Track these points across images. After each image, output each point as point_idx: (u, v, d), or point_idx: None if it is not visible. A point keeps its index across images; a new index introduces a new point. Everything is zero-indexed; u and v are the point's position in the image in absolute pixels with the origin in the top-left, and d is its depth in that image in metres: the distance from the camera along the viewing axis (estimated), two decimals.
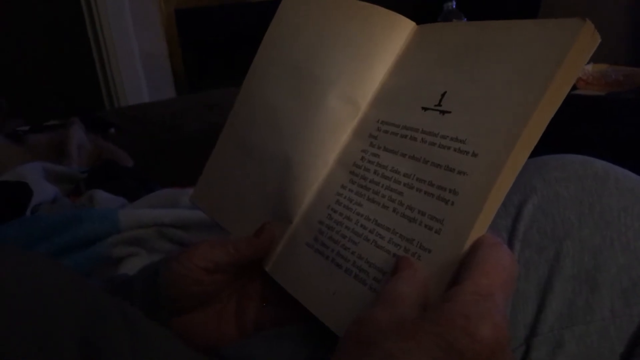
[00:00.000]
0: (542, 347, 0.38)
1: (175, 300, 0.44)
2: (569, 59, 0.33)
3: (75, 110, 1.61)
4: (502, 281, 0.30)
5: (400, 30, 0.46)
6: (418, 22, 0.47)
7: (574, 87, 1.49)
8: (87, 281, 0.33)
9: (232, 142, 0.55)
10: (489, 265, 0.31)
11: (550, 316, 0.38)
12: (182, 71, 2.44)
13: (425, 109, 0.40)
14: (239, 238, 0.45)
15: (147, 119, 1.64)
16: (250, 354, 0.43)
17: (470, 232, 0.33)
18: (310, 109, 0.48)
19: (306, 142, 0.47)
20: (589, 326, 0.38)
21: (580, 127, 1.28)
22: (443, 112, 0.38)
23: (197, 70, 2.47)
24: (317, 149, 0.47)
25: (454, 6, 1.51)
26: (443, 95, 0.39)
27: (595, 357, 0.38)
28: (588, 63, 1.53)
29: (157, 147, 1.45)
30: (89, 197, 0.81)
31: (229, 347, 0.45)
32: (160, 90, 2.29)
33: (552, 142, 0.45)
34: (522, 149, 0.33)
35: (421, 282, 0.33)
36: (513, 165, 0.33)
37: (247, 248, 0.44)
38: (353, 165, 0.43)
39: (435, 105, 0.39)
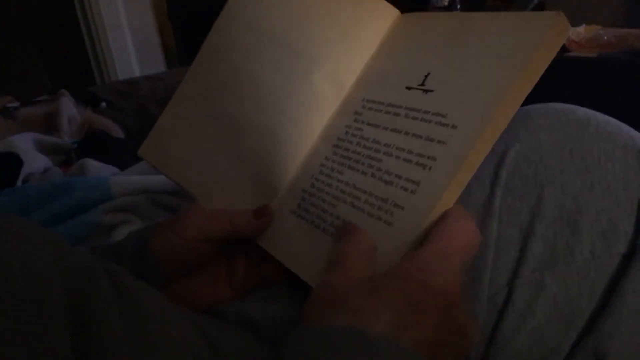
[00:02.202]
0: (524, 288, 0.39)
1: (167, 269, 0.45)
2: (543, 46, 0.36)
3: (66, 86, 1.60)
4: (460, 247, 0.34)
5: (385, 17, 0.48)
6: (403, 5, 0.49)
7: (566, 50, 1.48)
8: (73, 246, 0.33)
9: (196, 102, 0.54)
10: (450, 233, 0.34)
11: (531, 259, 0.39)
12: (172, 45, 2.42)
13: (409, 88, 0.43)
14: (237, 214, 0.45)
15: (138, 93, 1.63)
16: (244, 312, 0.44)
17: (445, 192, 0.36)
18: (296, 85, 0.48)
19: (292, 118, 0.48)
20: (569, 267, 0.39)
21: (571, 88, 1.28)
22: (426, 91, 0.42)
23: (187, 43, 2.45)
24: (304, 126, 0.48)
25: None
26: (427, 76, 0.42)
27: (576, 297, 0.39)
28: (580, 25, 1.52)
29: (148, 121, 1.44)
30: (80, 167, 0.81)
31: (223, 308, 0.45)
32: (151, 65, 2.27)
33: (542, 102, 0.46)
34: (497, 121, 0.36)
35: (364, 242, 0.36)
36: (489, 136, 0.36)
37: (245, 228, 0.45)
38: (337, 139, 0.46)
39: (419, 85, 0.42)
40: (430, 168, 0.37)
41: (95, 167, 0.80)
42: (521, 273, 0.39)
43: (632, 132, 0.42)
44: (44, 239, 0.31)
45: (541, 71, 0.36)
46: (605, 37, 1.42)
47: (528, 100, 0.44)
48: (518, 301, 0.39)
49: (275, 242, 0.45)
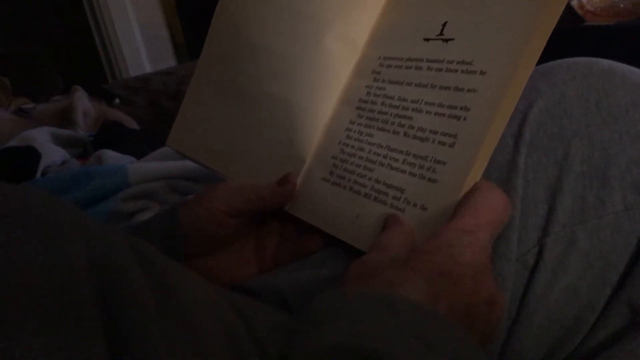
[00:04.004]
0: (555, 246, 0.38)
1: (195, 244, 0.45)
2: None
3: (79, 85, 1.61)
4: (489, 222, 0.34)
5: None
6: None
7: (582, 20, 1.45)
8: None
9: (213, 84, 0.54)
10: (479, 208, 0.34)
11: (561, 215, 0.38)
12: (182, 40, 2.41)
13: (427, 40, 0.42)
14: (261, 185, 0.46)
15: (150, 88, 1.64)
16: (271, 282, 0.44)
17: (483, 142, 0.36)
18: (308, 51, 0.48)
19: (308, 84, 0.47)
20: (601, 221, 0.37)
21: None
22: (446, 40, 0.41)
23: (196, 38, 2.45)
24: (321, 91, 0.47)
25: None
26: (444, 25, 0.42)
27: (609, 252, 0.37)
28: None
29: (161, 114, 1.45)
30: (98, 158, 0.81)
31: (250, 280, 0.45)
32: (161, 61, 2.27)
33: None
34: (526, 62, 0.36)
35: (407, 232, 0.36)
36: (520, 78, 0.36)
37: (270, 197, 0.45)
38: (359, 101, 0.45)
39: (437, 35, 0.42)
40: (465, 119, 0.37)
41: (112, 157, 0.80)
42: (551, 230, 0.38)
43: None
44: (65, 211, 0.30)
45: (562, 6, 0.36)
46: (622, 5, 1.38)
47: None
48: (549, 259, 0.38)
49: (311, 210, 0.45)
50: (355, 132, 0.44)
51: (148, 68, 2.22)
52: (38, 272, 0.25)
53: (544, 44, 0.36)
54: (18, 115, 1.17)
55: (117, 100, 1.50)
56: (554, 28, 0.36)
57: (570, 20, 1.44)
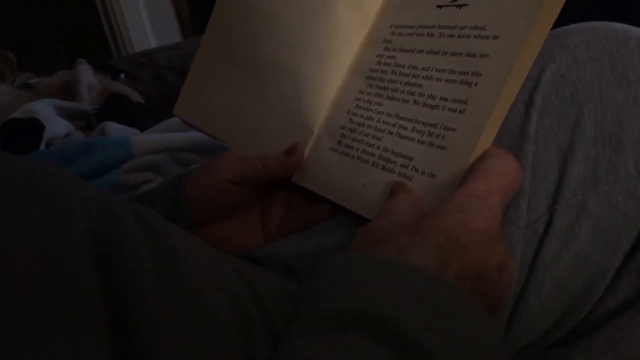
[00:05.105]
0: (566, 213, 0.37)
1: (199, 212, 0.44)
2: None
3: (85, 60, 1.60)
4: (500, 188, 0.33)
5: None
6: None
7: None
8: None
9: (220, 54, 0.53)
10: (490, 173, 0.33)
11: (572, 181, 0.37)
12: (187, 15, 2.39)
13: (440, 6, 0.42)
14: (268, 155, 0.45)
15: (155, 63, 1.63)
16: (277, 251, 0.44)
17: (495, 106, 0.35)
18: (319, 19, 0.47)
19: (318, 53, 0.47)
20: (613, 187, 0.36)
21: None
22: (459, 6, 0.40)
23: (201, 13, 2.42)
24: (331, 60, 0.46)
25: None
26: None
27: (620, 219, 0.37)
28: None
29: (166, 89, 1.44)
30: (101, 130, 0.80)
31: (256, 249, 0.45)
32: (166, 36, 2.25)
33: None
34: (540, 27, 0.35)
35: (414, 199, 0.36)
36: (533, 43, 0.35)
37: (277, 167, 0.45)
38: (369, 70, 0.44)
39: (451, 1, 0.41)
40: (476, 84, 0.36)
41: (116, 130, 0.80)
42: (562, 197, 0.37)
43: None
44: (65, 179, 0.30)
45: None
46: None
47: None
48: (559, 227, 0.37)
49: (318, 180, 0.45)
50: (364, 101, 0.43)
51: (153, 43, 2.20)
52: (37, 244, 0.24)
53: (559, 8, 0.35)
54: (23, 90, 1.17)
55: (122, 76, 1.50)
56: None
57: None
